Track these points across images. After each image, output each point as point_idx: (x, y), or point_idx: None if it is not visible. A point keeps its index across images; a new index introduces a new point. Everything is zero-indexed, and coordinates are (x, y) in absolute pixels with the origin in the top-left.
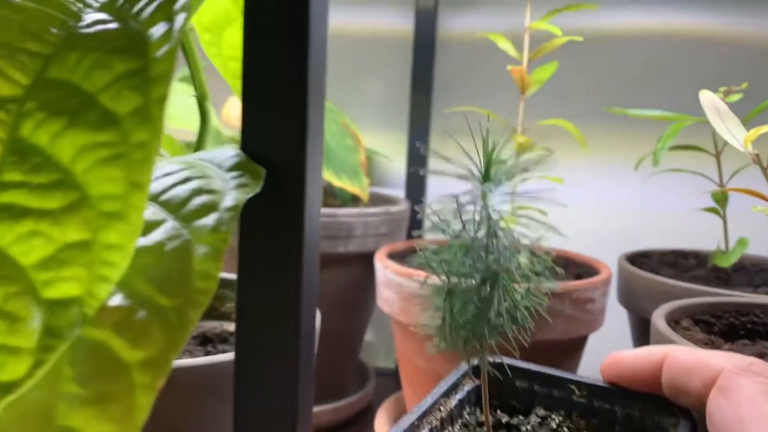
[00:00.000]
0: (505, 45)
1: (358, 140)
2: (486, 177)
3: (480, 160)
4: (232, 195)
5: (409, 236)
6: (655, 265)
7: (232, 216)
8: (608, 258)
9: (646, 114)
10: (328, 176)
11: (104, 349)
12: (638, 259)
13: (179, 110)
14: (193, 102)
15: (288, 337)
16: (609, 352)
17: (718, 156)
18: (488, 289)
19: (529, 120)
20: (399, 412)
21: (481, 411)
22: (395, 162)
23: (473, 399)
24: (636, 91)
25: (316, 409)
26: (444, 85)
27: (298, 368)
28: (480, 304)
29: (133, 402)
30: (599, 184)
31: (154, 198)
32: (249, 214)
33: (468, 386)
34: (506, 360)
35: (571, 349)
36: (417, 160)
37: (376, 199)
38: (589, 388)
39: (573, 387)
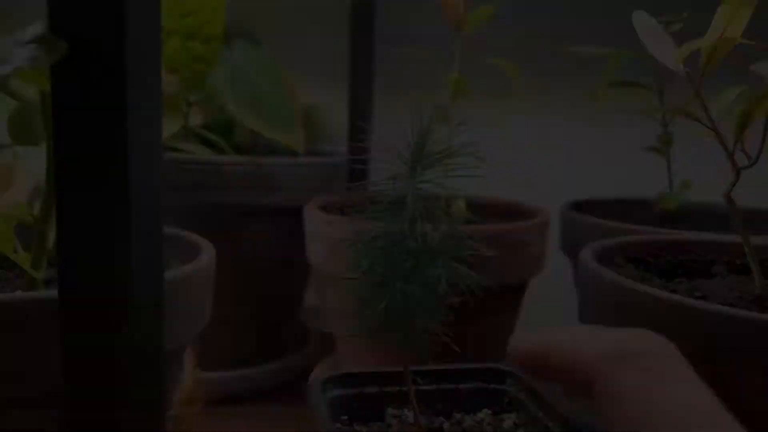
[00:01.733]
0: None
1: (293, 91)
2: (416, 161)
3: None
4: (10, 64)
5: (349, 190)
6: (600, 213)
7: None
8: (554, 207)
9: (587, 50)
10: (261, 128)
11: None
12: (583, 206)
13: None
14: None
15: (116, 258)
16: (555, 299)
17: (661, 92)
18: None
19: (473, 60)
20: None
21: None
22: (338, 117)
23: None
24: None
25: (249, 370)
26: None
27: (133, 289)
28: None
29: None
30: (542, 131)
31: None
32: (64, 105)
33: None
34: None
35: (510, 295)
36: (359, 114)
37: (317, 155)
38: (422, 375)
39: (417, 378)
